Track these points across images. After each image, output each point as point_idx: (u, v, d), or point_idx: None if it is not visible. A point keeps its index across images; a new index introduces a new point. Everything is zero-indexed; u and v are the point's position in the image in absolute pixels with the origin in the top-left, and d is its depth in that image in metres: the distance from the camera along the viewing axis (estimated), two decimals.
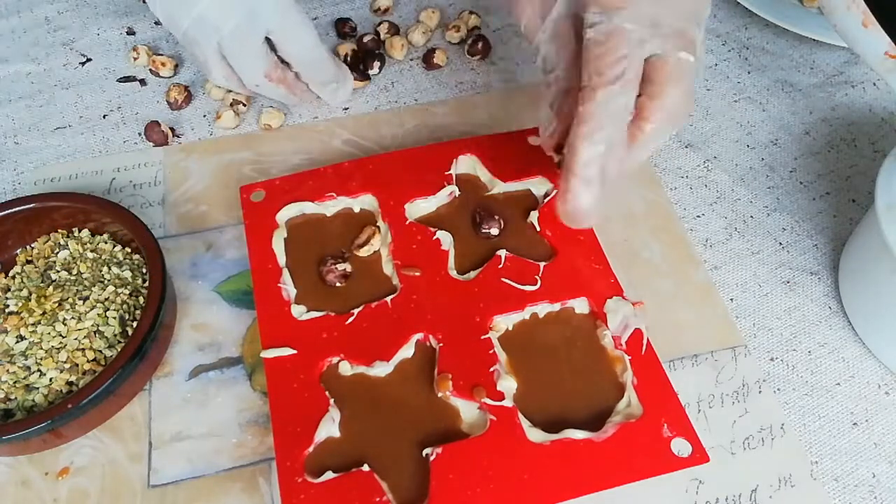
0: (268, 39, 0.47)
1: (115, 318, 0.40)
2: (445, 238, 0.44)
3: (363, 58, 0.56)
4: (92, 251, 0.43)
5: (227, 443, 0.39)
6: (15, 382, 0.38)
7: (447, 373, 0.38)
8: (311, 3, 0.61)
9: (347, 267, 0.43)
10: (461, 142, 0.48)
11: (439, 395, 0.38)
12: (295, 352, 0.39)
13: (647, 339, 0.40)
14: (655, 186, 0.50)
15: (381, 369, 0.39)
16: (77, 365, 0.38)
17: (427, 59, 0.56)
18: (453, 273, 0.42)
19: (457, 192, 0.46)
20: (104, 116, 0.54)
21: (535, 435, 0.37)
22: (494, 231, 0.44)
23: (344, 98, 0.53)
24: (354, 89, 0.54)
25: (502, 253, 0.43)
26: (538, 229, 0.44)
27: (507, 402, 0.38)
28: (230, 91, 0.53)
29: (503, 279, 0.42)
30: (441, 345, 0.39)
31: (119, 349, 0.38)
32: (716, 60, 0.58)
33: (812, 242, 0.47)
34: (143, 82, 0.56)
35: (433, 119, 0.53)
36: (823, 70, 0.57)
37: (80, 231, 0.44)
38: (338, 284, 0.42)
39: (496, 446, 0.36)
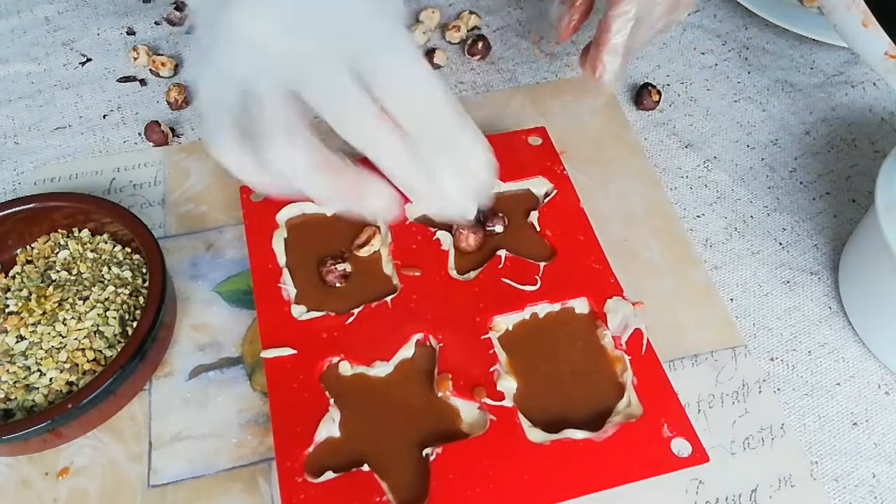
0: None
1: (115, 318, 0.40)
2: (445, 238, 0.44)
3: None
4: (92, 251, 0.43)
5: (227, 443, 0.39)
6: (15, 382, 0.38)
7: (447, 373, 0.38)
8: None
9: (347, 267, 0.43)
10: None
11: (439, 395, 0.38)
12: (295, 352, 0.39)
13: (647, 339, 0.40)
14: (655, 186, 0.50)
15: (381, 369, 0.39)
16: (77, 365, 0.38)
17: (426, 59, 0.56)
18: (453, 273, 0.42)
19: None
20: (104, 116, 0.54)
21: (535, 435, 0.37)
22: (499, 228, 0.44)
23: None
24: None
25: (502, 253, 0.43)
26: (538, 229, 0.44)
27: (507, 402, 0.38)
28: None
29: (503, 279, 0.42)
30: (441, 345, 0.39)
31: (119, 349, 0.38)
32: (716, 60, 0.58)
33: (812, 242, 0.47)
34: (143, 82, 0.56)
35: None
36: (823, 70, 0.57)
37: (80, 231, 0.44)
38: (338, 285, 0.42)
39: (496, 446, 0.36)
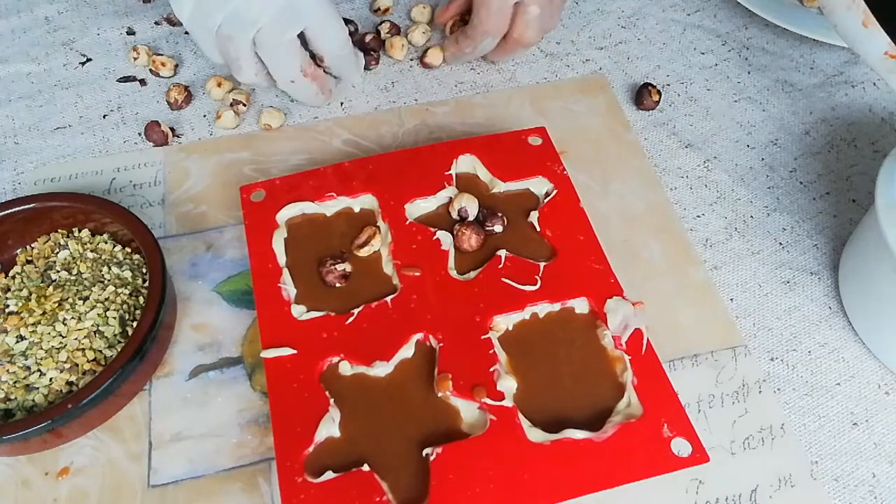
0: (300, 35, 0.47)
1: (115, 318, 0.40)
2: (445, 238, 0.44)
3: (378, 60, 0.56)
4: (92, 251, 0.43)
5: (227, 443, 0.39)
6: (15, 382, 0.38)
7: (447, 373, 0.38)
8: None
9: (347, 267, 0.43)
10: (461, 142, 0.48)
11: (439, 395, 0.38)
12: (295, 352, 0.39)
13: (647, 339, 0.40)
14: (655, 186, 0.50)
15: (381, 369, 0.39)
16: (77, 365, 0.38)
17: (421, 58, 0.56)
18: (453, 273, 0.42)
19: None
20: (104, 116, 0.54)
21: (535, 435, 0.37)
22: (498, 228, 0.44)
23: (354, 85, 0.55)
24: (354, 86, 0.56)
25: (502, 253, 0.43)
26: (538, 229, 0.44)
27: (507, 402, 0.38)
28: (230, 91, 0.53)
29: (503, 279, 0.42)
30: (441, 345, 0.39)
31: (119, 349, 0.38)
32: (716, 60, 0.58)
33: (812, 242, 0.47)
34: (143, 82, 0.56)
35: (433, 119, 0.53)
36: (823, 70, 0.57)
37: (80, 231, 0.44)
38: (338, 285, 0.42)
39: (496, 446, 0.36)
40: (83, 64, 0.57)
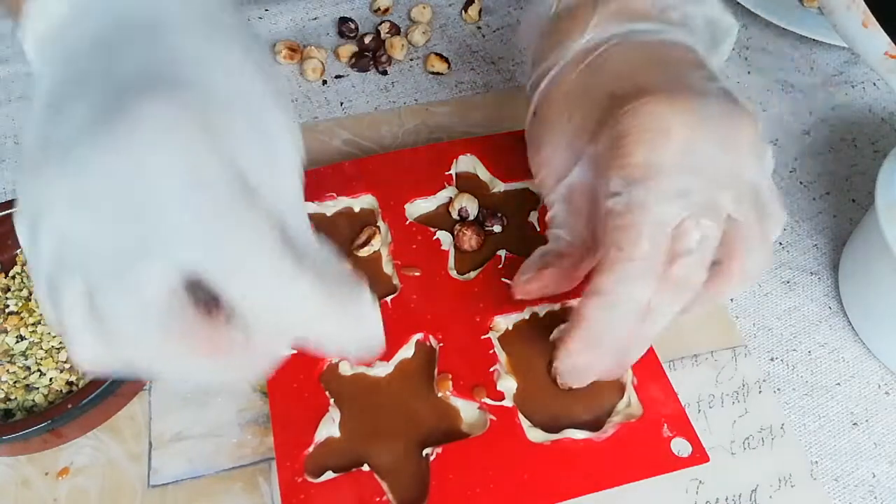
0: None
1: None
2: (445, 238, 0.44)
3: (373, 58, 0.56)
4: None
5: (227, 443, 0.39)
6: (15, 382, 0.38)
7: (447, 373, 0.38)
8: (311, 2, 0.61)
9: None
10: (461, 142, 0.48)
11: (439, 395, 0.38)
12: (295, 352, 0.39)
13: None
14: None
15: (381, 369, 0.39)
16: None
17: (425, 63, 0.56)
18: (453, 273, 0.42)
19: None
20: None
21: (535, 435, 0.37)
22: (498, 228, 0.44)
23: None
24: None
25: (502, 253, 0.43)
26: (538, 229, 0.44)
27: (507, 402, 0.38)
28: None
29: (503, 279, 0.42)
30: (441, 345, 0.39)
31: None
32: None
33: (812, 242, 0.47)
34: None
35: (433, 119, 0.53)
36: (823, 70, 0.57)
37: None
38: None
39: (496, 446, 0.36)
40: None
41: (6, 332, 0.39)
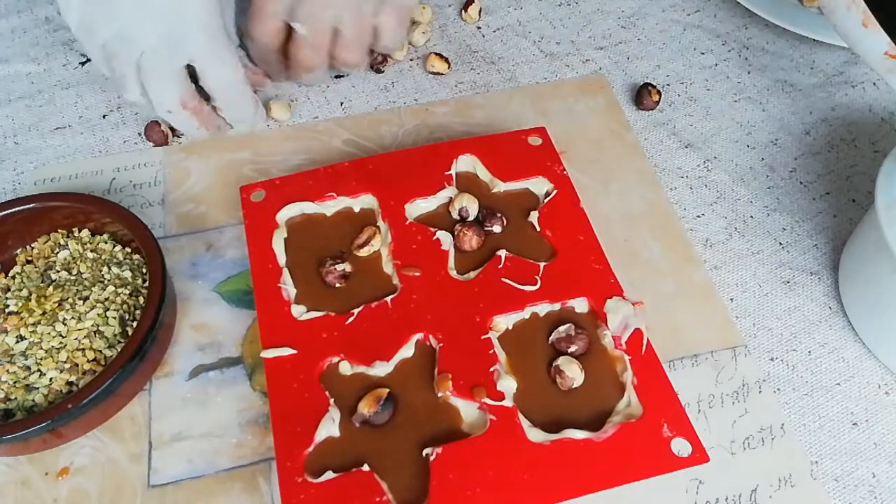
0: (192, 67, 0.45)
1: (115, 318, 0.40)
2: (445, 238, 0.44)
3: (375, 60, 0.56)
4: (92, 251, 0.43)
5: (227, 443, 0.39)
6: (15, 382, 0.38)
7: (447, 373, 0.38)
8: None
9: (347, 267, 0.43)
10: (461, 142, 0.48)
11: (439, 395, 0.38)
12: (295, 352, 0.39)
13: (647, 339, 0.40)
14: (655, 186, 0.50)
15: (381, 369, 0.39)
16: (77, 365, 0.38)
17: (425, 63, 0.56)
18: (453, 273, 0.42)
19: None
20: (104, 116, 0.54)
21: (535, 435, 0.37)
22: (497, 228, 0.44)
23: (252, 129, 0.52)
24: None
25: (502, 253, 0.43)
26: (538, 229, 0.44)
27: (507, 402, 0.38)
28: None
29: (503, 279, 0.42)
30: (441, 345, 0.39)
31: (119, 349, 0.39)
32: (716, 60, 0.58)
33: (812, 242, 0.47)
34: None
35: (433, 119, 0.53)
36: (823, 70, 0.57)
37: (80, 231, 0.44)
38: (337, 285, 0.42)
39: (496, 446, 0.36)
40: (83, 64, 0.57)
41: (6, 332, 0.39)
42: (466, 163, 0.47)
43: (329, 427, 0.37)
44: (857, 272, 0.43)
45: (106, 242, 0.44)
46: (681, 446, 0.36)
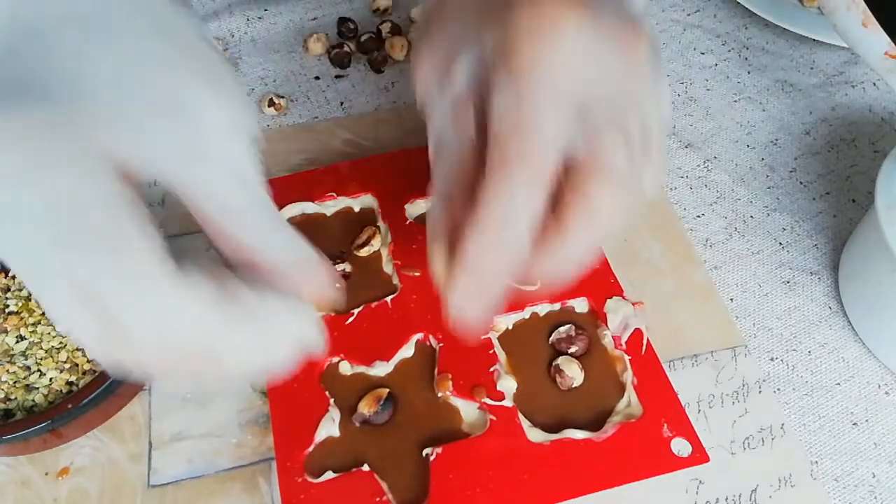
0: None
1: None
2: None
3: (375, 59, 0.56)
4: None
5: (227, 443, 0.39)
6: (15, 382, 0.38)
7: (447, 373, 0.38)
8: (310, 2, 0.61)
9: (347, 267, 0.43)
10: None
11: (439, 395, 0.38)
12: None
13: (647, 339, 0.40)
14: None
15: (381, 369, 0.39)
16: (77, 365, 0.38)
17: None
18: None
19: None
20: None
21: (535, 435, 0.37)
22: None
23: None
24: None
25: None
26: None
27: (507, 402, 0.38)
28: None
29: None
30: (441, 345, 0.39)
31: None
32: (716, 60, 0.58)
33: (812, 242, 0.47)
34: None
35: None
36: (823, 70, 0.57)
37: None
38: (337, 286, 0.42)
39: (496, 446, 0.36)
40: None
41: (6, 332, 0.39)
42: None
43: (329, 427, 0.37)
44: (857, 272, 0.43)
45: None
46: (681, 446, 0.36)
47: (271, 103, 0.53)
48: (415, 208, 0.45)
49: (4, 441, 0.35)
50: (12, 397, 0.38)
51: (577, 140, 0.27)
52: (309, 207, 0.45)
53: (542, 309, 0.41)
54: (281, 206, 0.45)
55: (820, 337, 0.43)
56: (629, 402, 0.38)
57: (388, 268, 0.43)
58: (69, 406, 0.36)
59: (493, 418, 0.37)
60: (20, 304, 0.40)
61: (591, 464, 0.36)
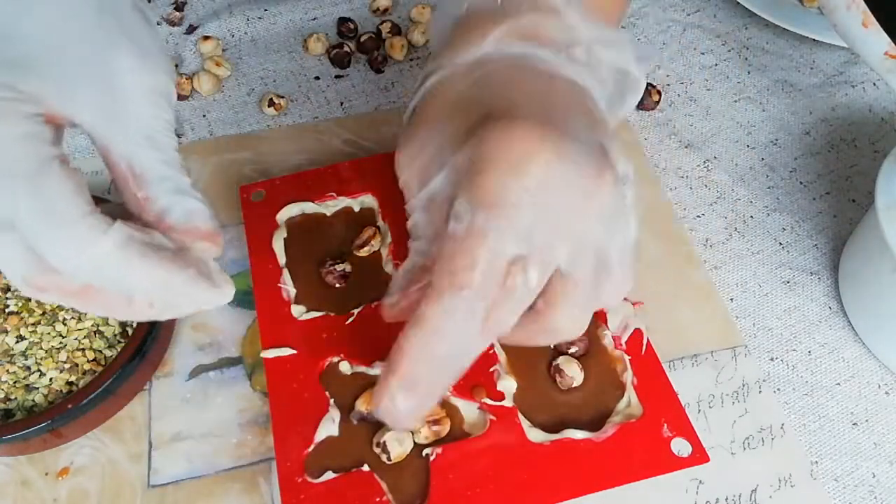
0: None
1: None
2: None
3: (375, 59, 0.56)
4: None
5: (227, 443, 0.39)
6: (15, 382, 0.38)
7: None
8: (310, 2, 0.61)
9: (347, 267, 0.43)
10: None
11: None
12: (295, 352, 0.39)
13: (647, 339, 0.40)
14: (655, 186, 0.50)
15: (381, 369, 0.39)
16: (77, 365, 0.38)
17: (424, 63, 0.56)
18: None
19: None
20: None
21: (535, 435, 0.37)
22: None
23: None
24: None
25: None
26: None
27: (507, 402, 0.38)
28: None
29: None
30: None
31: (119, 349, 0.38)
32: (716, 60, 0.58)
33: (812, 242, 0.47)
34: None
35: None
36: (823, 70, 0.57)
37: None
38: (337, 285, 0.42)
39: (496, 446, 0.36)
40: None
41: (6, 332, 0.39)
42: None
43: (329, 427, 0.37)
44: (857, 272, 0.43)
45: None
46: (681, 446, 0.36)
47: (271, 103, 0.53)
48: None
49: (4, 441, 0.35)
50: (12, 397, 0.38)
51: (531, 262, 0.29)
52: (309, 207, 0.45)
53: None
54: (281, 206, 0.45)
55: (820, 337, 0.43)
56: (629, 402, 0.38)
57: (388, 268, 0.43)
58: (69, 406, 0.36)
59: (493, 418, 0.37)
60: (20, 304, 0.40)
61: (591, 464, 0.36)
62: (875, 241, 0.39)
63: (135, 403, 0.40)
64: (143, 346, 0.38)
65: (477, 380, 0.38)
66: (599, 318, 0.41)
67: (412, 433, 0.36)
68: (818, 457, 0.39)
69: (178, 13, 0.59)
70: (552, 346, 0.40)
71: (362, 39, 0.57)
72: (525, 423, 0.37)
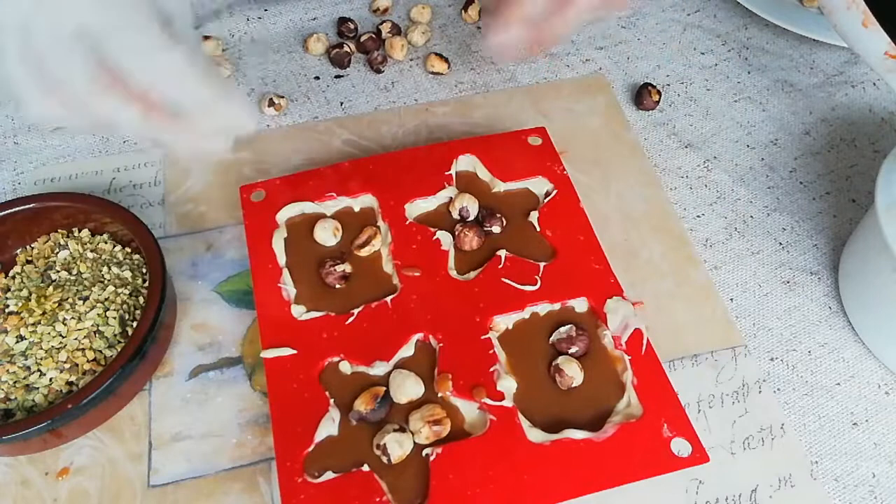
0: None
1: (115, 318, 0.40)
2: (445, 238, 0.44)
3: (375, 59, 0.56)
4: (92, 251, 0.43)
5: (227, 443, 0.39)
6: (15, 382, 0.38)
7: (447, 373, 0.38)
8: (310, 2, 0.61)
9: (347, 267, 0.43)
10: (461, 142, 0.48)
11: (439, 395, 0.38)
12: (295, 352, 0.39)
13: (647, 339, 0.40)
14: (655, 186, 0.50)
15: (380, 369, 0.39)
16: (77, 365, 0.38)
17: (425, 63, 0.56)
18: (453, 273, 0.42)
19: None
20: None
21: (535, 435, 0.37)
22: (496, 229, 0.44)
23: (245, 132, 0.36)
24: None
25: (502, 253, 0.43)
26: (538, 229, 0.44)
27: (507, 402, 0.38)
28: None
29: (503, 279, 0.42)
30: (441, 345, 0.39)
31: (119, 349, 0.38)
32: (716, 60, 0.58)
33: (812, 242, 0.47)
34: None
35: (433, 119, 0.53)
36: (823, 70, 0.57)
37: (80, 231, 0.44)
38: (337, 286, 0.42)
39: (496, 446, 0.36)
40: None
41: (6, 332, 0.39)
42: (466, 163, 0.47)
43: (329, 427, 0.37)
44: (857, 272, 0.43)
45: (106, 242, 0.44)
46: (681, 446, 0.36)
47: (271, 103, 0.53)
48: (415, 208, 0.45)
49: (4, 441, 0.35)
50: (12, 397, 0.38)
51: None
52: (309, 207, 0.45)
53: (543, 309, 0.41)
54: (281, 206, 0.45)
55: (820, 337, 0.43)
56: (629, 402, 0.38)
57: (388, 268, 0.43)
58: (69, 406, 0.36)
59: (493, 418, 0.37)
60: (20, 304, 0.40)
61: (591, 464, 0.36)
62: (875, 241, 0.39)
63: (135, 403, 0.40)
64: (143, 346, 0.38)
65: (477, 380, 0.38)
66: (599, 317, 0.41)
67: (412, 433, 0.36)
68: (818, 457, 0.39)
69: None
70: (552, 346, 0.40)
71: (362, 39, 0.57)
72: (525, 423, 0.37)
